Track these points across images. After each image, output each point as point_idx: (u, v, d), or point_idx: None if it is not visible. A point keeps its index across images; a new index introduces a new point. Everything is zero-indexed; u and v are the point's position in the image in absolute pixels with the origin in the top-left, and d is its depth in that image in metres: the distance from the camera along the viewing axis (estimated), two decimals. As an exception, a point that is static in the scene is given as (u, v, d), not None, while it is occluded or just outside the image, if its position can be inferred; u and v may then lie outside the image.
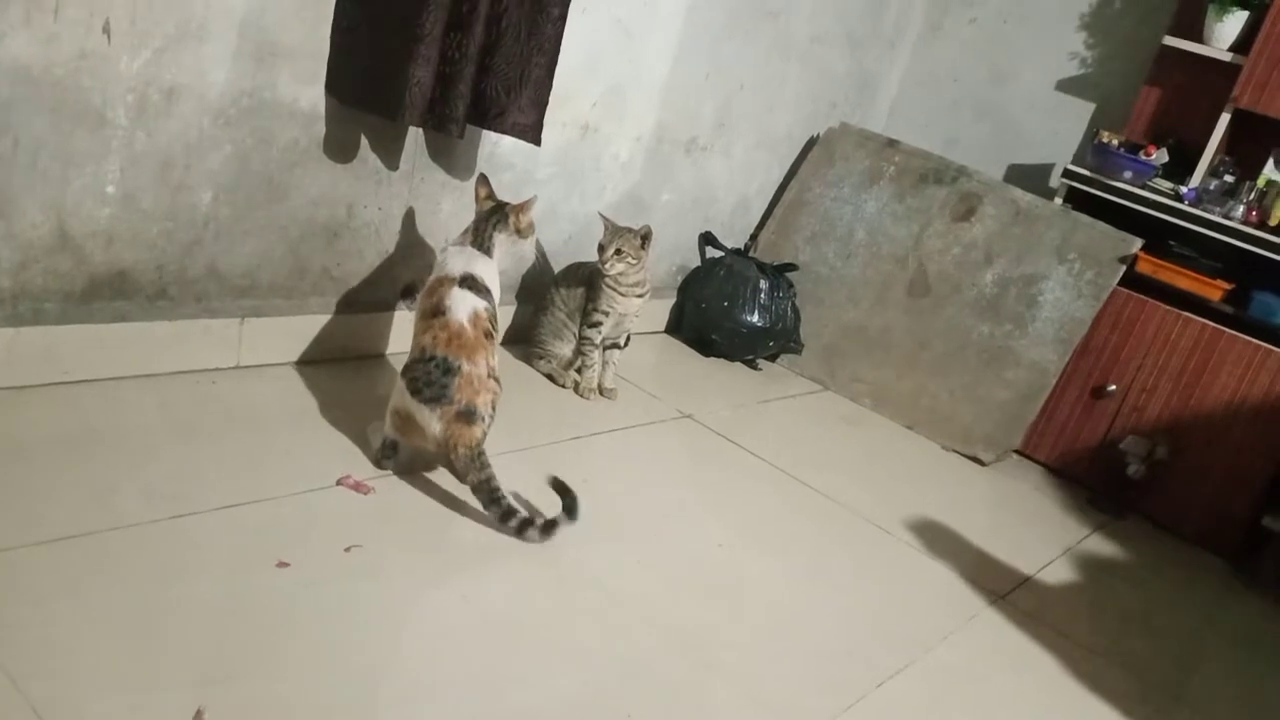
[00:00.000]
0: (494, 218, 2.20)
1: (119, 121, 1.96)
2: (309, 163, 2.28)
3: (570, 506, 1.95)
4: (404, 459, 2.09)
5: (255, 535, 1.75)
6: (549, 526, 1.94)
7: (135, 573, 1.58)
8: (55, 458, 1.80)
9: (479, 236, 2.18)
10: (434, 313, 2.02)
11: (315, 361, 2.42)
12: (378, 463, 2.07)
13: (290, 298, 2.39)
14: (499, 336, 2.12)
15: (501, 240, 2.19)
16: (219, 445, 2.00)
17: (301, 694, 1.45)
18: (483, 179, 2.29)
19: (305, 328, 2.40)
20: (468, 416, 1.95)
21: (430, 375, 1.96)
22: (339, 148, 2.32)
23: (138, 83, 1.95)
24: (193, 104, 2.04)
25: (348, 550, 1.79)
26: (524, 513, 1.95)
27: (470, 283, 2.07)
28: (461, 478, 2.01)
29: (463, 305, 2.02)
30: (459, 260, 2.12)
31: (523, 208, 2.22)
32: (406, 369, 2.02)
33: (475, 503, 1.99)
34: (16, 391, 1.95)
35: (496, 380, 2.03)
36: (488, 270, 2.14)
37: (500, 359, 2.78)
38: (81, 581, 1.53)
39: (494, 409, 2.01)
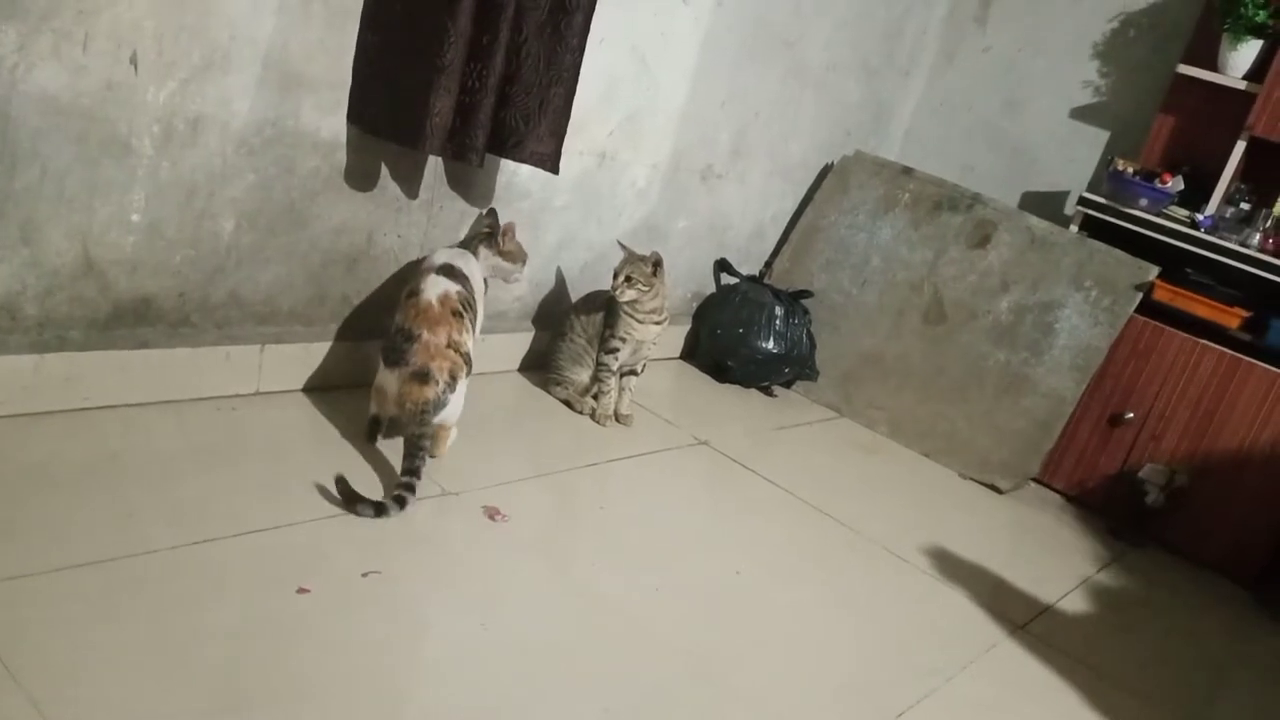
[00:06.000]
0: (483, 234, 2.44)
1: (144, 151, 1.98)
2: (330, 191, 2.31)
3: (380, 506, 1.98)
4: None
5: (276, 561, 1.76)
6: (400, 500, 1.98)
7: (157, 598, 1.59)
8: (77, 484, 1.81)
9: (467, 244, 2.44)
10: (410, 295, 2.20)
11: (335, 388, 2.43)
12: (369, 439, 2.23)
13: (310, 325, 2.40)
14: (478, 319, 2.29)
15: (484, 254, 2.41)
16: (240, 471, 2.01)
17: (322, 721, 1.45)
18: (492, 212, 2.49)
19: (325, 355, 2.41)
20: (421, 377, 2.10)
21: (395, 343, 2.14)
22: (359, 176, 2.34)
23: (163, 113, 1.98)
24: (217, 134, 2.07)
25: (365, 576, 1.79)
26: (413, 490, 2.00)
27: (448, 270, 2.24)
28: (402, 432, 2.14)
29: (435, 288, 2.19)
30: (443, 254, 2.32)
31: (505, 230, 2.42)
32: (382, 345, 2.20)
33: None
34: (39, 418, 1.96)
35: (461, 355, 2.16)
36: (469, 263, 2.33)
37: (518, 385, 2.83)
38: (103, 607, 1.53)
39: (452, 377, 2.13)
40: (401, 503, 1.97)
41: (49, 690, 1.35)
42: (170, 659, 1.47)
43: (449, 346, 2.13)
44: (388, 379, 2.14)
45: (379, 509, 1.94)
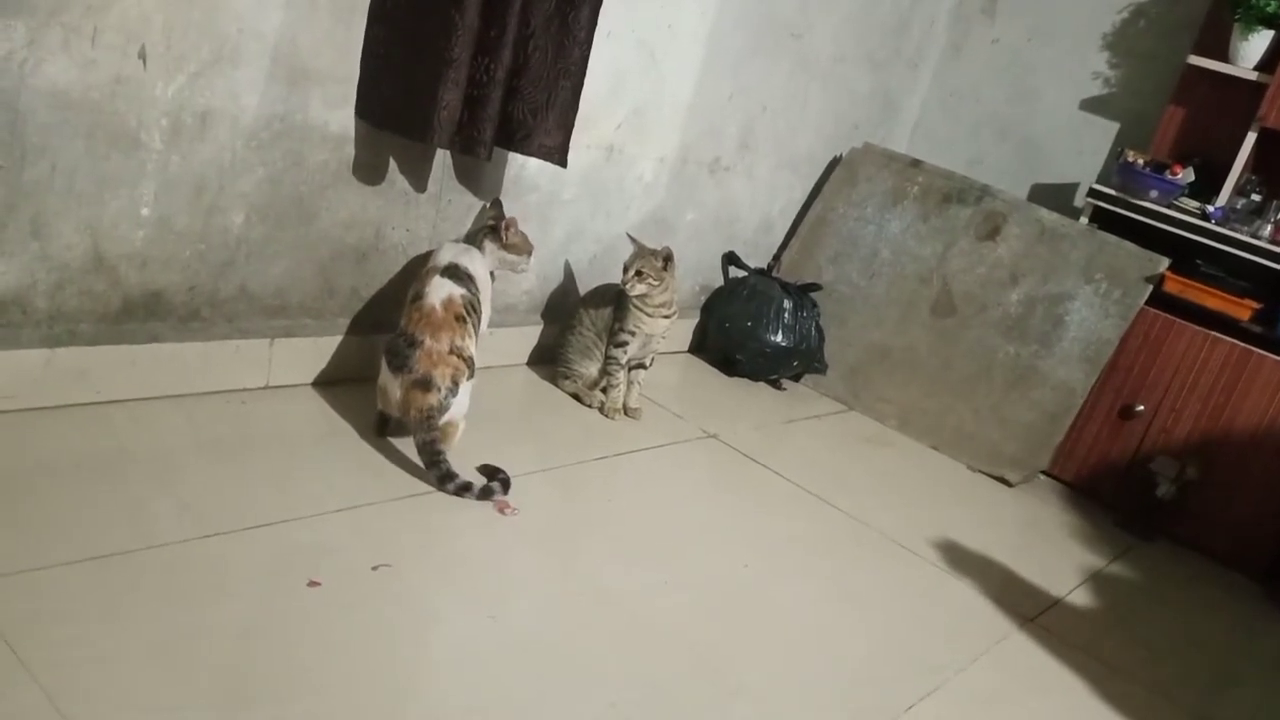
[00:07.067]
0: (487, 227, 2.43)
1: (154, 145, 1.99)
2: (339, 185, 2.31)
3: (505, 480, 2.14)
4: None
5: (286, 554, 1.76)
6: (486, 492, 2.09)
7: (168, 592, 1.59)
8: (88, 477, 1.82)
9: (472, 238, 2.43)
10: (415, 298, 2.21)
11: (344, 381, 2.44)
12: (378, 433, 2.24)
13: (320, 318, 2.41)
14: (485, 315, 2.31)
15: (490, 247, 2.40)
16: (250, 465, 2.02)
17: (331, 714, 1.46)
18: (496, 203, 2.49)
19: (334, 348, 2.42)
20: (424, 384, 2.11)
21: (398, 347, 2.15)
22: (368, 170, 2.35)
23: (172, 107, 1.98)
24: (226, 127, 2.07)
25: (375, 569, 1.79)
26: (463, 477, 2.08)
27: (453, 271, 2.23)
28: (413, 438, 2.13)
29: (439, 292, 2.19)
30: (449, 252, 2.30)
31: (508, 225, 2.41)
32: (385, 347, 2.21)
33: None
34: (50, 412, 1.97)
35: (464, 360, 2.17)
36: (473, 261, 2.32)
37: (526, 378, 2.83)
38: (114, 601, 1.54)
39: (454, 383, 2.14)
40: (486, 495, 2.09)
41: (61, 682, 1.36)
42: (182, 652, 1.48)
43: (451, 352, 2.14)
44: (390, 382, 2.14)
45: (484, 493, 2.09)
